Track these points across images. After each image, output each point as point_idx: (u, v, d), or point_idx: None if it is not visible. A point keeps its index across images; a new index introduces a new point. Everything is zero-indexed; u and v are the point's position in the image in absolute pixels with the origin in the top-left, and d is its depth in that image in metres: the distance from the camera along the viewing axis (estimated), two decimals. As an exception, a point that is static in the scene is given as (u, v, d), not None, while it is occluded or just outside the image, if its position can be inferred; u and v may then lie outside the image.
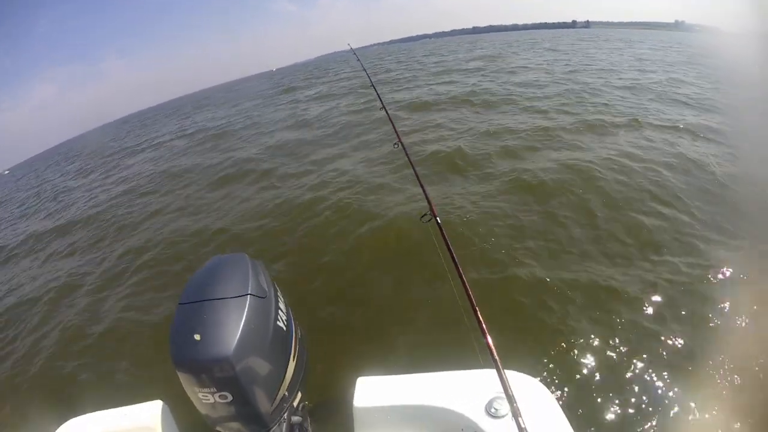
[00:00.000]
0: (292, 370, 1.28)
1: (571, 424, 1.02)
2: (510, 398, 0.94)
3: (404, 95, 11.12)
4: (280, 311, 1.29)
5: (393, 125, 2.15)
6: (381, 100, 2.53)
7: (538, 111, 7.67)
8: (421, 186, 1.87)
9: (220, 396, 1.08)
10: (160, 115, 34.89)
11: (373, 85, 2.96)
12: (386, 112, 2.36)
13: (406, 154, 1.97)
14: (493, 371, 1.07)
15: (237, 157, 8.10)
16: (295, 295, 2.72)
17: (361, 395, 1.22)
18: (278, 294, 1.34)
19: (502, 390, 1.00)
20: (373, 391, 1.22)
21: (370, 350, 2.55)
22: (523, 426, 0.87)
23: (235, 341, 1.05)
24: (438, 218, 1.65)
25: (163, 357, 1.11)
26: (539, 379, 1.13)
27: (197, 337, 1.06)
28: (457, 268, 1.29)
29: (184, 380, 1.09)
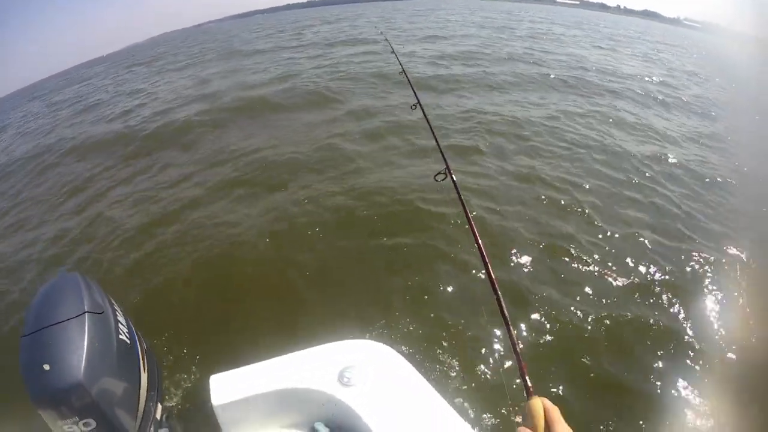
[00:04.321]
0: (146, 383, 1.27)
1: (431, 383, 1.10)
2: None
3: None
4: (120, 324, 1.27)
5: (412, 87, 2.27)
6: (401, 63, 2.65)
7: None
8: (438, 146, 2.01)
9: (84, 424, 1.07)
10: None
11: (394, 52, 3.07)
12: (405, 75, 2.49)
13: (424, 115, 2.10)
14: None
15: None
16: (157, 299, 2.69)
17: (217, 394, 1.18)
18: (115, 307, 1.33)
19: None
20: (228, 387, 1.19)
21: (224, 346, 2.46)
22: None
23: (83, 363, 1.05)
24: (454, 176, 1.81)
25: (20, 395, 1.03)
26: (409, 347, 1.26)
27: (46, 367, 1.04)
28: (472, 228, 1.45)
29: (46, 416, 1.07)
